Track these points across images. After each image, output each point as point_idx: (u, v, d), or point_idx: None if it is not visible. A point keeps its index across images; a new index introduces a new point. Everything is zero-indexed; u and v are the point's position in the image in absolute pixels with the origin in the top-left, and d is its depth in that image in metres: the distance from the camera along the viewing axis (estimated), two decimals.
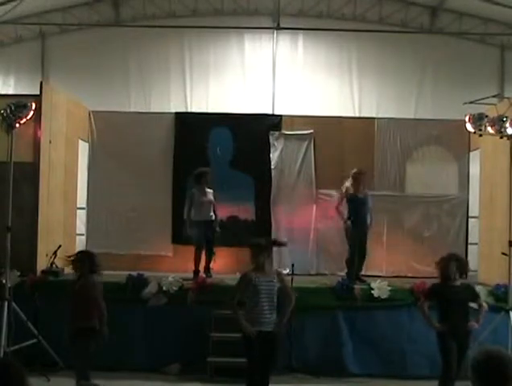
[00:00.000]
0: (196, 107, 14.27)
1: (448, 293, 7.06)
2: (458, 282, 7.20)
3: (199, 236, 10.51)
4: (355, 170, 10.53)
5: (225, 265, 11.44)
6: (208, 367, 8.75)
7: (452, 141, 12.33)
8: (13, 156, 8.50)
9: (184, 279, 9.50)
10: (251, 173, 12.51)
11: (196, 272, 10.31)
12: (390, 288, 9.25)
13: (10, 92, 14.11)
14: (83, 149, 12.30)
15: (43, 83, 11.25)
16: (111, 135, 12.43)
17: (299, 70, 14.61)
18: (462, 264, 7.30)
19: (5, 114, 8.38)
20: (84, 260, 7.09)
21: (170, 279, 9.33)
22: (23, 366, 2.90)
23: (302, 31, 14.48)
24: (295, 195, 12.45)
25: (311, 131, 12.52)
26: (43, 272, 9.65)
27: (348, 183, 10.51)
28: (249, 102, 14.15)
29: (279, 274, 6.99)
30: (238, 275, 9.75)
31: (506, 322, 8.49)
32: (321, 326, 9.10)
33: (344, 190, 10.52)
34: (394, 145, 12.50)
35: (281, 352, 7.04)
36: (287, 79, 14.51)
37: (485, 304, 7.33)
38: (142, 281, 9.30)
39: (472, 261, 11.75)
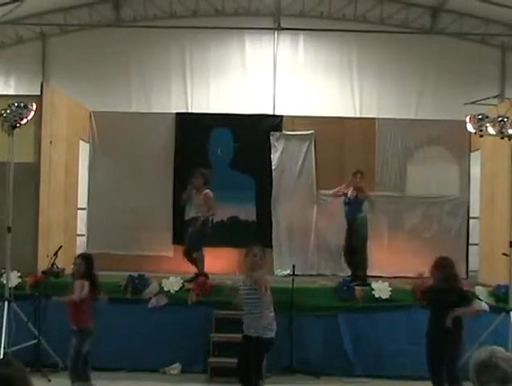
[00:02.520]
0: (196, 107, 14.26)
1: None
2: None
3: None
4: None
5: (225, 266, 11.44)
6: (209, 367, 8.75)
7: (452, 141, 12.33)
8: (13, 156, 8.49)
9: (185, 280, 9.50)
10: (252, 173, 12.52)
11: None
12: (390, 288, 9.25)
13: (11, 92, 14.10)
14: (84, 149, 12.31)
15: (44, 83, 11.26)
16: (112, 135, 12.44)
17: (300, 70, 14.60)
18: None
19: (5, 115, 8.38)
20: (79, 264, 7.20)
21: (171, 279, 9.33)
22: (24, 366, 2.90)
23: (303, 32, 14.47)
24: (295, 196, 12.46)
25: (312, 131, 12.52)
26: (43, 272, 9.63)
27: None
28: (250, 103, 14.15)
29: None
30: (238, 275, 9.81)
31: (507, 322, 8.47)
32: (322, 327, 9.10)
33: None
34: (395, 145, 12.49)
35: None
36: (288, 79, 14.51)
37: None
38: (142, 282, 9.30)
39: (473, 262, 11.81)
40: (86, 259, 7.31)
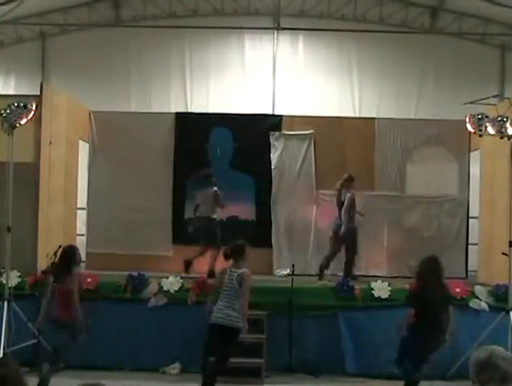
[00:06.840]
0: (196, 107, 14.28)
1: None
2: None
3: None
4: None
5: (224, 265, 11.41)
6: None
7: (452, 141, 12.33)
8: (13, 156, 8.49)
9: (185, 279, 9.50)
10: (251, 173, 12.52)
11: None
12: (390, 288, 9.25)
13: (11, 92, 14.14)
14: (83, 149, 12.31)
15: (44, 83, 11.28)
16: (111, 135, 12.43)
17: (300, 70, 14.61)
18: None
19: (5, 114, 8.38)
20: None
21: (170, 279, 9.33)
22: (22, 366, 2.90)
23: (302, 32, 14.49)
24: (295, 195, 12.45)
25: (312, 131, 12.52)
26: (43, 272, 9.63)
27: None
28: (250, 102, 14.16)
29: None
30: None
31: (506, 322, 8.48)
32: (321, 326, 9.09)
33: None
34: (395, 145, 12.49)
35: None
36: (288, 79, 14.52)
37: None
38: (142, 281, 9.29)
39: (472, 262, 11.81)
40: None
